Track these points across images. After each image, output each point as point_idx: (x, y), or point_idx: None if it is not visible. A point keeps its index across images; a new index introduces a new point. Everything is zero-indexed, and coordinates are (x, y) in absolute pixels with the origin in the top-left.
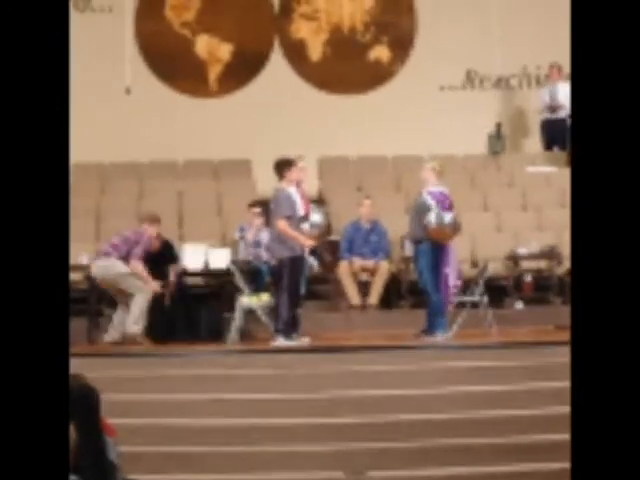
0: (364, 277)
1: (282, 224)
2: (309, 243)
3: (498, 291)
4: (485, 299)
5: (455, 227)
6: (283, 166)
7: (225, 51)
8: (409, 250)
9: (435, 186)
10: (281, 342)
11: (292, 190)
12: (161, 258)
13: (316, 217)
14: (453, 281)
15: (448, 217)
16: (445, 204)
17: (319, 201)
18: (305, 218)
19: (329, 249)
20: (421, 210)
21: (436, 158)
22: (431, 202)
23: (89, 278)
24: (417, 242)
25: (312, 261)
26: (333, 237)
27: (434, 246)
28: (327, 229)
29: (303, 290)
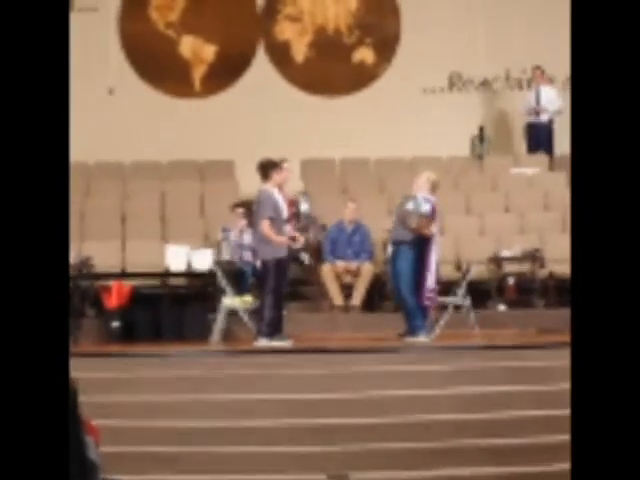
0: (347, 279)
1: (265, 225)
2: (292, 244)
3: (481, 293)
4: (468, 301)
5: (430, 218)
6: (268, 167)
7: (209, 52)
8: (390, 251)
9: (426, 196)
10: (264, 343)
11: (276, 192)
12: None
13: (305, 207)
14: (432, 284)
15: (426, 207)
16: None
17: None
18: (288, 220)
19: (312, 250)
20: (405, 214)
21: (417, 160)
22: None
23: (72, 278)
24: (399, 244)
25: (303, 256)
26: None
27: (416, 249)
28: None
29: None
